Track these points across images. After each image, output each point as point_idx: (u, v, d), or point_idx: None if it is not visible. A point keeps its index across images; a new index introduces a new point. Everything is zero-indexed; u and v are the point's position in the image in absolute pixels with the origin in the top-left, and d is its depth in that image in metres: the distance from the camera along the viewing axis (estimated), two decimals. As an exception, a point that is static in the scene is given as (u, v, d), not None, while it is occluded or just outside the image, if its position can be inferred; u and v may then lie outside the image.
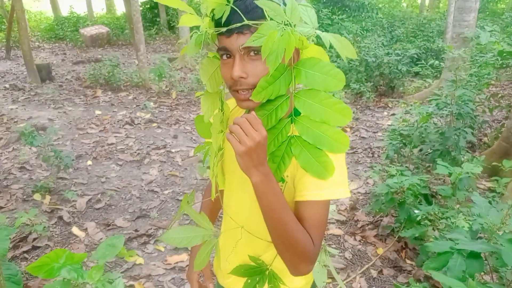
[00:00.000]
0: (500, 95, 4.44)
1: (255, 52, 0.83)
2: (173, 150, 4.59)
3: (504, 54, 3.87)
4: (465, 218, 2.02)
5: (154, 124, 5.49)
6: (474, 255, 1.47)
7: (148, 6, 14.01)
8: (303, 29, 0.84)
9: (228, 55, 0.87)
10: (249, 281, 1.03)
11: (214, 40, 0.91)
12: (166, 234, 0.99)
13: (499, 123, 4.67)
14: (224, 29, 0.83)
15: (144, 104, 6.12)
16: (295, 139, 0.87)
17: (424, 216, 2.45)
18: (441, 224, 2.36)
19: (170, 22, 13.99)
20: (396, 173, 2.77)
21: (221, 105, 1.03)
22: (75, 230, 3.02)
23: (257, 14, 0.81)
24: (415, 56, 7.23)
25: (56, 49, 11.89)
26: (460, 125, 2.97)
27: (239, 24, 0.81)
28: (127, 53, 11.49)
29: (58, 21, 14.51)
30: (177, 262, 2.70)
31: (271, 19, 0.80)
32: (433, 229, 2.45)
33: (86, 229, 3.04)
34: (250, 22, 0.81)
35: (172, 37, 13.46)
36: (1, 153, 4.38)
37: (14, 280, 2.14)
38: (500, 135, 3.98)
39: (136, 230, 3.04)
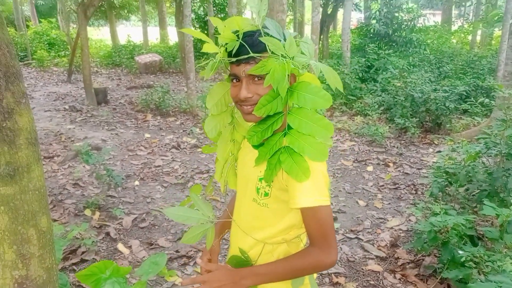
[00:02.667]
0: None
1: (258, 78, 1.05)
2: (215, 175, 4.71)
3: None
4: (513, 263, 1.94)
5: (199, 150, 5.69)
6: (520, 301, 1.42)
7: (192, 37, 14.71)
8: (301, 59, 1.04)
9: (237, 80, 1.10)
10: None
11: (227, 66, 1.12)
12: (169, 209, 1.25)
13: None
14: (234, 59, 1.05)
15: (191, 130, 6.37)
16: (285, 149, 1.05)
17: (469, 258, 2.37)
18: (487, 267, 2.26)
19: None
20: (440, 211, 2.71)
21: (231, 120, 1.27)
22: (120, 246, 3.17)
23: (261, 47, 1.02)
24: (464, 93, 7.06)
25: (112, 75, 12.70)
26: (510, 166, 2.87)
27: (246, 56, 1.03)
28: (177, 80, 12.05)
29: (116, 48, 15.56)
30: (214, 285, 2.75)
31: (272, 52, 1.01)
32: (478, 272, 2.35)
33: (130, 247, 3.18)
34: (255, 55, 1.02)
35: (220, 67, 13.96)
36: (58, 169, 4.71)
37: (64, 290, 2.28)
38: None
39: (177, 251, 3.14)
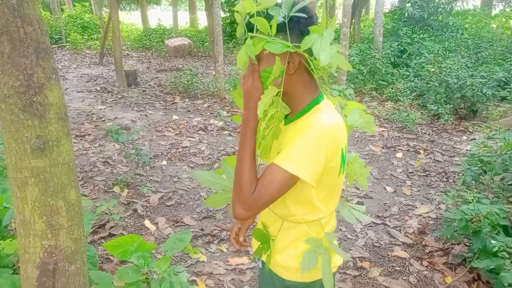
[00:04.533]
0: None
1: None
2: (241, 158, 4.72)
3: None
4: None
5: (226, 132, 5.70)
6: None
7: (228, 21, 14.64)
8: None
9: None
10: (259, 245, 1.25)
11: None
12: (197, 172, 1.28)
13: None
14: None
15: (218, 113, 6.39)
16: None
17: (502, 248, 2.27)
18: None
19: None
20: (472, 200, 2.61)
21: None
22: (147, 223, 3.24)
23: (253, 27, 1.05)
24: (503, 79, 6.72)
25: (143, 58, 12.87)
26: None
27: (245, 37, 1.05)
28: (206, 64, 12.08)
29: (147, 32, 15.73)
30: (237, 264, 2.78)
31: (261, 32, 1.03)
32: (511, 262, 2.26)
33: (157, 223, 3.25)
34: (251, 34, 1.04)
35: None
36: (89, 147, 4.84)
37: (92, 261, 2.36)
38: None
39: (201, 229, 3.18)
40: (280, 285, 1.23)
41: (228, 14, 14.59)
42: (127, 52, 13.79)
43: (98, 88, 8.08)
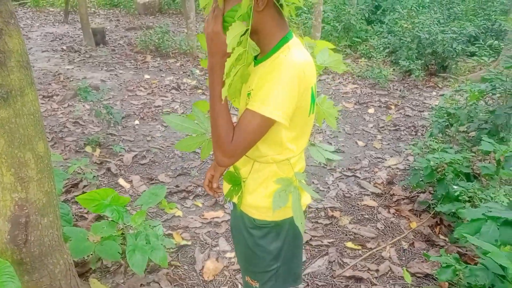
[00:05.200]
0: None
1: None
2: (215, 116, 4.70)
3: None
4: (506, 194, 1.97)
5: (199, 91, 5.63)
6: (508, 223, 1.46)
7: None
8: None
9: None
10: (230, 187, 1.29)
11: None
12: (169, 116, 1.28)
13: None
14: None
15: (191, 71, 6.26)
16: None
17: (463, 193, 2.41)
18: (480, 201, 2.31)
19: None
20: (437, 148, 2.72)
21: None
22: (121, 181, 3.24)
23: None
24: (473, 35, 6.82)
25: (111, 16, 12.28)
26: (512, 104, 2.84)
27: None
28: (177, 22, 11.66)
29: (113, -12, 14.91)
30: (213, 218, 2.84)
31: None
32: (471, 206, 2.40)
33: (131, 181, 3.25)
34: None
35: None
36: (57, 108, 4.70)
37: (66, 219, 2.35)
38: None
39: (176, 186, 3.21)
40: (251, 224, 1.28)
41: (199, -31, 13.95)
42: (93, 9, 13.10)
43: (64, 48, 7.72)
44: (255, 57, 1.19)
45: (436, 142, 3.07)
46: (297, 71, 1.03)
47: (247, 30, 1.04)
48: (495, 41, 5.57)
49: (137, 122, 4.43)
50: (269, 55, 1.12)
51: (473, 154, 3.07)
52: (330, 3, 9.16)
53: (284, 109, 1.03)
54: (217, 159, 1.08)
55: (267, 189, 1.21)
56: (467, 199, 2.36)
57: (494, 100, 3.51)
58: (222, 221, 2.81)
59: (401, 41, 6.74)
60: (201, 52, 7.34)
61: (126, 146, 3.79)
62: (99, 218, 2.67)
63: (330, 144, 4.07)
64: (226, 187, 1.34)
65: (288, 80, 1.02)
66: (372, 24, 8.51)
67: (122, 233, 2.36)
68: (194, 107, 1.33)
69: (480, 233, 1.45)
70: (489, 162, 3.37)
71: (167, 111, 4.80)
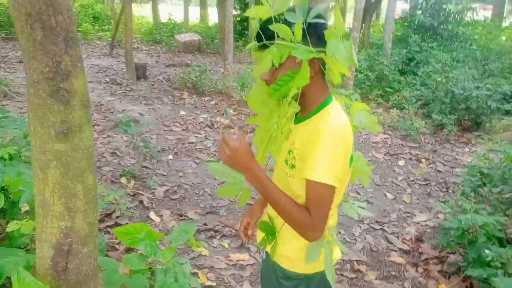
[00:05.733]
0: None
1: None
2: (246, 156, 4.80)
3: None
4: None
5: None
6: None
7: (239, 19, 14.71)
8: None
9: None
10: (264, 236, 1.33)
11: None
12: (212, 163, 1.35)
13: None
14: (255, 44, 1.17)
15: (225, 110, 6.47)
16: None
17: (495, 258, 2.35)
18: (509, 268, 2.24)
19: (257, 36, 14.55)
20: (470, 209, 2.68)
21: None
22: (152, 215, 3.33)
23: (270, 33, 1.09)
24: (508, 93, 6.77)
25: (152, 51, 12.97)
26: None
27: (260, 44, 1.13)
28: (214, 61, 12.16)
29: (157, 26, 15.82)
30: (238, 260, 2.86)
31: (282, 38, 1.08)
32: (504, 273, 2.33)
33: (161, 216, 3.34)
34: (267, 42, 1.10)
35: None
36: (97, 138, 4.94)
37: (100, 249, 2.44)
38: None
39: (205, 224, 3.27)
40: (282, 275, 1.31)
41: (239, 12, 14.66)
42: (137, 45, 13.88)
43: (108, 80, 8.18)
44: (295, 115, 1.28)
45: (468, 201, 3.03)
46: (340, 136, 1.12)
47: (297, 93, 1.14)
48: (532, 101, 5.52)
49: (171, 157, 4.59)
50: (309, 116, 1.21)
51: (506, 218, 2.99)
52: (364, 52, 9.36)
53: (338, 174, 1.12)
54: (309, 239, 1.16)
55: (300, 241, 1.25)
56: (500, 265, 2.30)
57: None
58: (247, 264, 2.82)
59: (434, 94, 6.77)
60: (236, 93, 7.59)
61: (159, 180, 3.92)
62: (129, 250, 2.75)
63: (359, 194, 4.06)
64: (260, 235, 1.39)
65: (335, 147, 1.11)
66: (405, 75, 8.60)
67: (150, 267, 2.42)
68: None
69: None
70: (524, 227, 3.27)
71: (200, 148, 4.95)
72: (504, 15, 14.86)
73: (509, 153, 3.18)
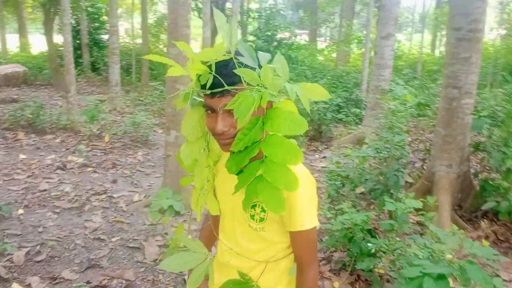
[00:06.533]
0: (419, 140, 5.07)
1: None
2: (115, 195, 4.39)
3: (421, 105, 4.50)
4: (418, 248, 2.28)
5: (89, 169, 5.22)
6: (441, 277, 1.69)
7: (72, 47, 13.51)
8: (277, 82, 1.00)
9: (212, 111, 1.05)
10: None
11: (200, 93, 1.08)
12: (165, 261, 1.14)
13: (421, 164, 5.26)
14: (208, 92, 1.01)
15: (76, 148, 5.81)
16: (260, 177, 0.99)
17: (378, 248, 2.69)
18: (393, 255, 2.60)
19: (95, 64, 13.62)
20: (348, 210, 3.01)
21: (206, 145, 1.21)
22: (16, 286, 2.72)
23: (236, 78, 0.97)
24: (340, 104, 7.94)
25: (-38, 88, 10.80)
26: (398, 167, 3.37)
27: (220, 90, 0.98)
28: (47, 94, 10.85)
29: (-35, 57, 13.29)
30: (138, 313, 2.57)
31: (247, 83, 0.97)
32: (390, 262, 2.67)
33: (29, 285, 2.75)
34: (230, 88, 0.98)
35: (96, 79, 13.07)
36: None
37: None
38: (421, 174, 4.53)
39: (88, 282, 2.83)
40: None
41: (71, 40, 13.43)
42: None
43: None
44: None
45: (344, 203, 3.39)
46: (309, 178, 1.13)
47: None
48: (357, 109, 6.61)
49: (21, 211, 3.85)
50: None
51: (374, 213, 3.47)
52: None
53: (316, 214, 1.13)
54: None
55: (281, 283, 1.21)
56: (384, 254, 2.64)
57: (375, 163, 4.08)
58: (149, 315, 2.55)
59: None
60: (84, 127, 6.91)
61: (13, 242, 3.24)
62: None
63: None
64: None
65: (311, 191, 1.12)
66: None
67: None
68: (178, 236, 1.28)
69: (423, 289, 1.65)
70: (379, 217, 3.84)
71: (56, 194, 4.31)
72: (317, 39, 17.46)
73: (362, 156, 3.71)
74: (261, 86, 0.97)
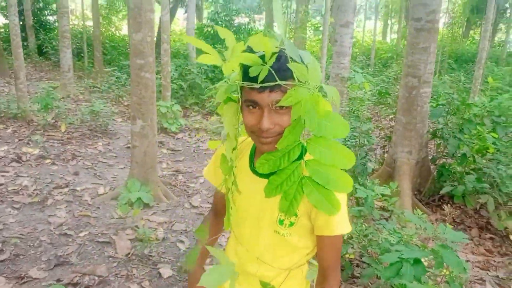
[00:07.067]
0: (380, 127, 5.28)
1: (281, 107, 0.95)
2: (78, 188, 4.23)
3: (382, 94, 4.68)
4: (389, 233, 2.41)
5: (48, 161, 4.97)
6: (417, 262, 1.81)
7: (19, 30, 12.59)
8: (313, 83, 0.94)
9: (254, 106, 0.98)
10: None
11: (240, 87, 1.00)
12: (204, 278, 1.03)
13: (382, 150, 5.49)
14: (257, 86, 0.93)
15: (30, 138, 5.50)
16: (306, 179, 0.94)
17: (348, 235, 2.81)
18: (363, 241, 2.73)
19: (42, 48, 12.81)
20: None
21: (236, 143, 1.12)
22: (-21, 289, 2.58)
23: (288, 74, 0.92)
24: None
25: None
26: (364, 154, 3.50)
27: (272, 84, 0.91)
28: (-8, 80, 10.09)
29: None
30: (115, 309, 2.53)
31: (298, 80, 0.91)
32: (356, 246, 2.81)
33: (-6, 286, 2.62)
34: (282, 83, 0.91)
35: (44, 63, 12.33)
36: None
37: None
38: (382, 161, 4.74)
39: (58, 280, 2.74)
40: None
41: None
42: None
43: None
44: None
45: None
46: None
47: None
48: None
49: (-24, 208, 3.62)
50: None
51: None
52: (172, 63, 9.48)
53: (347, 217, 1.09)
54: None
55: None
56: (356, 240, 2.76)
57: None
58: (127, 311, 2.52)
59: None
60: (37, 115, 6.53)
61: (-28, 242, 3.05)
62: None
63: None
64: None
65: (344, 194, 1.09)
66: (215, 83, 9.15)
67: None
68: (207, 247, 1.17)
69: (401, 274, 1.76)
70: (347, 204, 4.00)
71: (14, 189, 4.08)
72: (274, 24, 17.47)
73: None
74: (309, 84, 0.91)
